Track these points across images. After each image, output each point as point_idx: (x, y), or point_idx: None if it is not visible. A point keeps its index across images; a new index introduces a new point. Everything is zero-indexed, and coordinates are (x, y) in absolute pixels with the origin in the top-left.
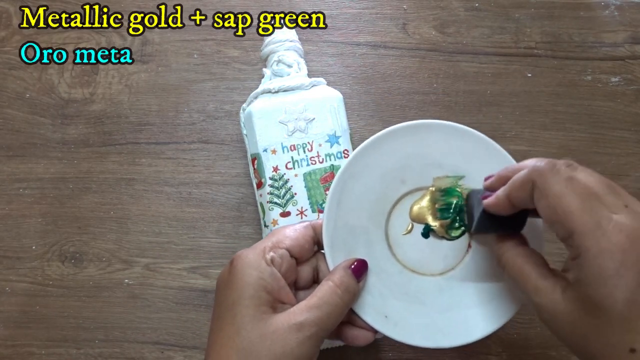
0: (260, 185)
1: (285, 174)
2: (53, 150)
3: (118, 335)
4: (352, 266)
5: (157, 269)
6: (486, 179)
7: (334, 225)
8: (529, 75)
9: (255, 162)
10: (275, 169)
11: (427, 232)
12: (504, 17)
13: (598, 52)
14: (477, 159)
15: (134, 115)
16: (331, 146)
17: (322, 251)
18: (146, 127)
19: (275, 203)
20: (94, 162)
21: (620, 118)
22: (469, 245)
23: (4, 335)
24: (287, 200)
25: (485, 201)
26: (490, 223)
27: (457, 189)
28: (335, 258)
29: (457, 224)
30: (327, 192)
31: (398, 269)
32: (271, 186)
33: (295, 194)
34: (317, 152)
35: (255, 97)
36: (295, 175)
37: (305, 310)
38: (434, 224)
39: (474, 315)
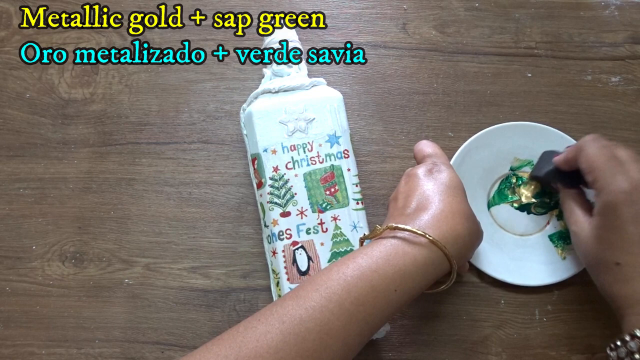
0: (260, 185)
1: (285, 174)
2: (53, 150)
3: (118, 335)
4: None
5: (157, 269)
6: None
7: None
8: (529, 75)
9: (256, 162)
10: (276, 169)
11: (523, 207)
12: (504, 17)
13: (598, 52)
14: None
15: (134, 115)
16: (331, 146)
17: None
18: (146, 127)
19: (276, 203)
20: (94, 162)
21: (620, 118)
22: (547, 223)
23: (4, 335)
24: (287, 200)
25: (555, 158)
26: (557, 176)
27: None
28: None
29: (543, 205)
30: (327, 192)
31: (490, 221)
32: (271, 186)
33: (296, 194)
34: (317, 152)
35: (256, 97)
36: (296, 175)
37: None
38: (526, 201)
39: (536, 269)
